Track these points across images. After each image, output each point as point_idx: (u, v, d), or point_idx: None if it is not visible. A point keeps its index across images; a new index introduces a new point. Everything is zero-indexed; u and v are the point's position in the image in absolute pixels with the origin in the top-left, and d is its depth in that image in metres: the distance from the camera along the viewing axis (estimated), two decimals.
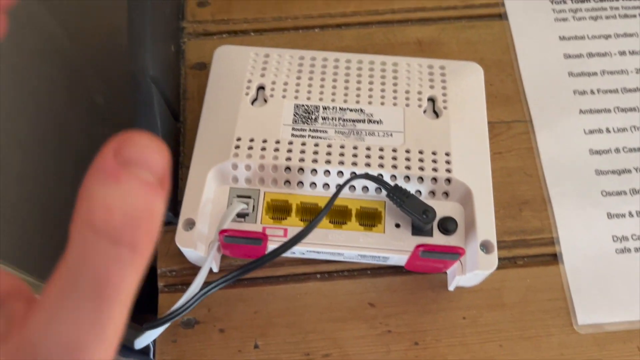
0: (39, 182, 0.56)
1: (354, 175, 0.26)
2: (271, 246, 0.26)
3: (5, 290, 0.14)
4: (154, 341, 0.26)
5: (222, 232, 0.24)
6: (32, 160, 0.55)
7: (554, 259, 0.29)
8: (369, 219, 0.27)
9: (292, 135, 0.28)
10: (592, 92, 0.33)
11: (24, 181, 0.54)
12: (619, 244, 0.29)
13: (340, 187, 0.26)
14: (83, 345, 0.12)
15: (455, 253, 0.24)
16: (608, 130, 0.32)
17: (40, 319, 0.12)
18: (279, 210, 0.27)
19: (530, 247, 0.29)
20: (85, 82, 0.71)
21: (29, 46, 0.54)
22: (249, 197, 0.27)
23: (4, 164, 0.49)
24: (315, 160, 0.27)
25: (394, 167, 0.27)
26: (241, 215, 0.27)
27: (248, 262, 0.24)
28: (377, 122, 0.29)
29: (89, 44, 0.64)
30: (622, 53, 0.34)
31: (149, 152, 0.13)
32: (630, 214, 0.30)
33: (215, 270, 0.27)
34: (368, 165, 0.27)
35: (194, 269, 0.28)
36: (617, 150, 0.31)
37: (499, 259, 0.28)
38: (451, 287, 0.27)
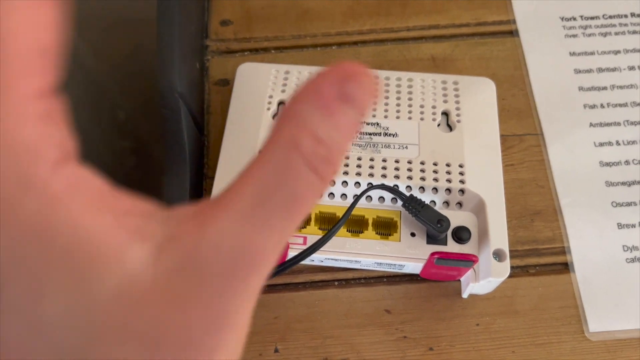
0: None
1: (371, 186, 0.28)
2: (291, 253, 0.27)
3: None
4: None
5: None
6: None
7: (565, 267, 0.30)
8: (385, 228, 0.28)
9: None
10: (602, 106, 0.33)
11: None
12: (629, 254, 0.30)
13: (357, 198, 0.27)
14: (258, 260, 0.13)
15: (469, 260, 0.25)
16: (618, 143, 0.33)
17: (228, 220, 0.13)
18: None
19: (542, 256, 0.30)
20: (109, 98, 0.73)
21: None
22: None
23: None
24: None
25: (409, 178, 0.28)
26: None
27: None
28: (393, 135, 0.30)
29: (113, 61, 0.66)
30: (632, 68, 0.35)
31: (367, 95, 0.13)
32: None
33: None
34: (384, 176, 0.28)
35: None
36: (627, 162, 0.32)
37: (512, 267, 0.29)
38: (465, 295, 0.28)
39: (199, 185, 0.31)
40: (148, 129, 0.79)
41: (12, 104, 0.12)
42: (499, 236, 0.27)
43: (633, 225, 0.31)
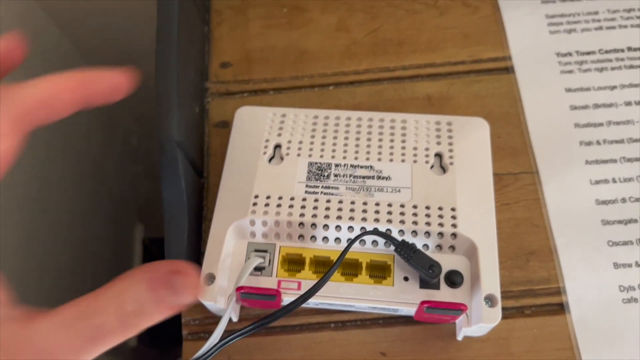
0: (76, 220, 0.59)
1: (364, 232, 0.28)
2: (286, 299, 0.28)
3: None
4: None
5: (239, 289, 0.26)
6: (70, 199, 0.58)
7: (561, 308, 0.30)
8: (379, 271, 0.29)
9: (306, 192, 0.30)
10: (598, 142, 0.34)
11: (64, 218, 0.57)
12: (626, 294, 0.30)
13: (349, 244, 0.27)
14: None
15: (457, 309, 0.25)
16: (614, 181, 0.33)
17: (42, 324, 0.16)
18: (294, 263, 0.29)
19: (537, 297, 0.30)
20: (120, 124, 0.75)
21: None
22: (266, 251, 0.29)
23: (46, 203, 0.53)
24: (327, 216, 0.29)
25: (402, 222, 0.29)
26: (258, 269, 0.29)
27: (265, 314, 0.26)
28: (386, 179, 0.30)
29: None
30: (628, 103, 0.35)
31: (185, 292, 0.18)
32: (637, 264, 0.30)
33: (235, 319, 0.29)
34: (377, 220, 0.29)
35: (216, 318, 0.30)
36: (624, 200, 0.32)
37: (507, 308, 0.30)
38: (459, 337, 0.28)
39: (199, 228, 0.32)
40: (157, 177, 0.80)
41: None
42: (491, 281, 0.27)
43: (630, 265, 0.31)
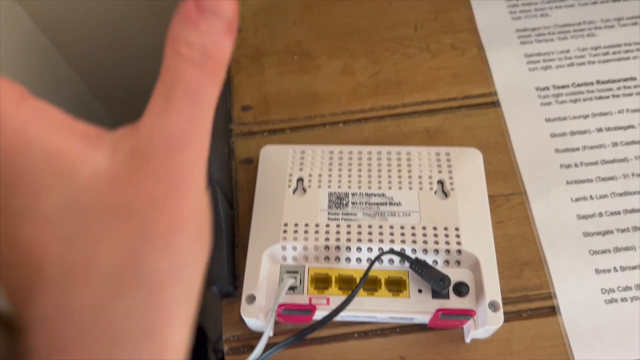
0: None
1: (382, 252, 0.32)
2: (319, 313, 0.32)
3: None
4: None
5: (280, 305, 0.30)
6: None
7: (553, 311, 0.34)
8: (396, 285, 0.33)
9: (329, 218, 0.34)
10: (575, 165, 0.39)
11: None
12: (607, 296, 0.35)
13: (371, 263, 0.32)
14: (186, 134, 0.17)
15: (467, 314, 0.30)
16: (592, 197, 0.38)
17: (151, 117, 0.17)
18: (322, 281, 0.33)
19: (532, 302, 0.35)
20: None
21: None
22: (296, 272, 0.33)
23: None
24: (348, 239, 0.33)
25: (414, 242, 0.33)
26: (291, 288, 0.33)
27: (297, 328, 0.30)
28: (397, 204, 0.35)
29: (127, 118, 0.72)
30: (599, 130, 0.40)
31: (221, 4, 0.18)
32: (615, 269, 0.35)
33: (271, 334, 0.33)
34: (392, 241, 0.33)
35: (254, 334, 0.34)
36: (600, 215, 0.37)
37: (506, 313, 0.34)
38: (467, 340, 0.33)
39: (232, 253, 0.36)
40: None
41: None
42: (493, 289, 0.32)
43: (609, 270, 0.35)
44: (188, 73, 0.17)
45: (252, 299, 0.32)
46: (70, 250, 0.15)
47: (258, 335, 0.33)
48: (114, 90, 0.65)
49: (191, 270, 0.17)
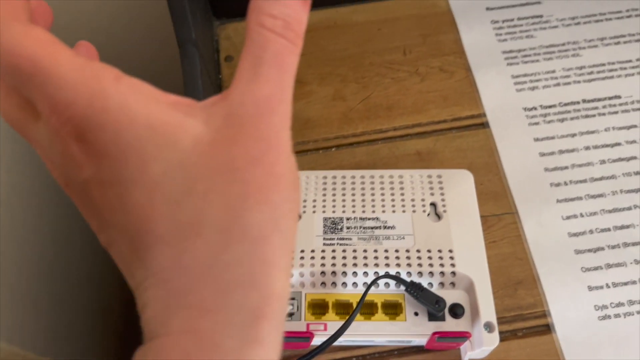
0: (77, 252, 0.63)
1: (378, 276, 0.33)
2: (317, 339, 0.32)
3: None
4: None
5: None
6: (71, 232, 0.62)
7: (548, 329, 0.35)
8: (392, 308, 0.33)
9: (324, 244, 0.35)
10: (565, 183, 0.39)
11: (62, 251, 0.60)
12: (600, 312, 0.35)
13: (367, 288, 0.32)
14: (273, 100, 0.18)
15: (463, 337, 0.30)
16: (582, 215, 0.38)
17: (241, 85, 0.18)
18: (319, 307, 0.34)
19: (527, 320, 0.35)
20: None
21: None
22: (294, 298, 0.34)
23: (45, 236, 0.56)
24: (344, 264, 0.34)
25: (409, 265, 0.34)
26: (289, 315, 0.33)
27: (295, 354, 0.31)
28: (391, 228, 0.35)
29: None
30: (587, 148, 0.41)
31: None
32: (607, 286, 0.36)
33: None
34: (387, 265, 0.34)
35: None
36: (591, 232, 0.38)
37: (502, 332, 0.34)
38: None
39: None
40: None
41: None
42: (488, 310, 0.32)
43: (601, 287, 0.36)
44: (273, 42, 0.18)
45: None
46: (179, 210, 0.17)
47: None
48: None
49: (288, 222, 0.18)
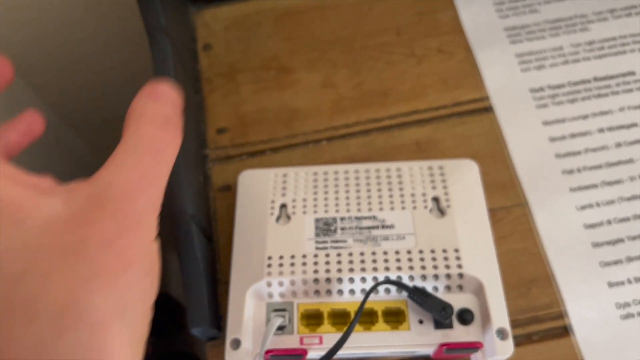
0: None
1: (377, 282, 0.30)
2: (312, 354, 0.29)
3: None
4: None
5: (268, 352, 0.28)
6: None
7: (566, 331, 0.32)
8: (394, 317, 0.30)
9: (316, 248, 0.32)
10: (578, 170, 0.36)
11: None
12: (623, 310, 0.32)
13: (365, 296, 0.29)
14: (143, 184, 0.18)
15: (474, 347, 0.27)
16: (598, 205, 0.35)
17: (110, 168, 0.18)
18: (313, 318, 0.30)
19: (543, 323, 0.32)
20: None
21: (57, 165, 0.58)
22: (285, 309, 0.30)
23: None
24: (339, 270, 0.31)
25: (411, 268, 0.30)
26: (280, 328, 0.30)
27: None
28: (390, 227, 0.32)
29: (110, 155, 0.69)
30: (601, 130, 0.37)
31: (170, 94, 0.21)
32: (629, 281, 0.33)
33: None
34: (387, 269, 0.30)
35: None
36: (609, 222, 0.34)
37: (516, 336, 0.31)
38: None
39: (214, 290, 0.33)
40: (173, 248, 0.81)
41: None
42: (500, 314, 0.29)
43: (622, 283, 0.33)
44: (151, 132, 0.19)
45: (237, 343, 0.29)
46: (16, 291, 0.16)
47: None
48: (87, 118, 0.62)
49: (135, 309, 0.17)
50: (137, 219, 0.18)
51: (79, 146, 0.64)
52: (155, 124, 0.20)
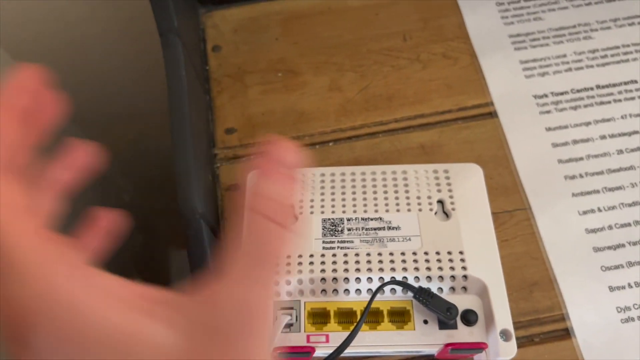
0: None
1: (383, 283, 0.30)
2: (319, 352, 0.29)
3: None
4: None
5: (275, 349, 0.28)
6: None
7: (567, 333, 0.32)
8: (400, 316, 0.31)
9: (323, 248, 0.32)
10: (580, 176, 0.37)
11: None
12: (623, 314, 0.33)
13: (372, 296, 0.29)
14: (255, 305, 0.17)
15: (479, 348, 0.28)
16: (599, 210, 0.36)
17: (227, 285, 0.16)
18: (319, 316, 0.31)
19: (544, 325, 0.33)
20: (113, 183, 0.76)
21: None
22: (292, 308, 0.31)
23: None
24: (346, 270, 0.31)
25: (416, 269, 0.31)
26: (287, 326, 0.30)
27: None
28: (396, 229, 0.33)
29: (116, 149, 0.69)
30: (603, 137, 0.38)
31: (287, 153, 0.19)
32: (630, 285, 0.33)
33: None
34: (393, 269, 0.31)
35: None
36: (610, 227, 0.35)
37: (518, 338, 0.32)
38: None
39: None
40: (151, 207, 0.82)
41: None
42: (503, 316, 0.30)
43: (623, 287, 0.33)
44: (269, 232, 0.18)
45: None
46: None
47: None
48: (94, 114, 0.62)
49: None
50: (255, 352, 0.16)
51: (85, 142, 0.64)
52: (271, 219, 0.18)
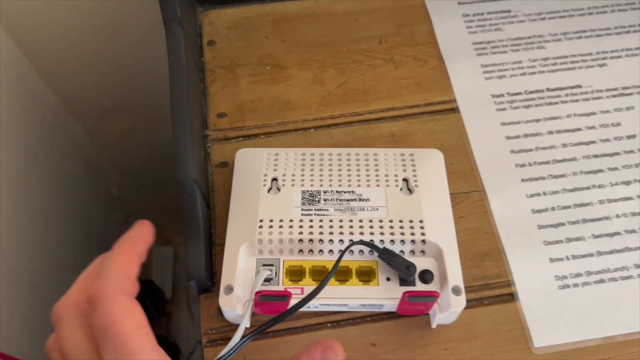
0: (69, 263, 0.63)
1: (352, 243, 0.35)
2: (293, 302, 0.34)
3: None
4: None
5: (258, 292, 0.32)
6: (62, 243, 0.62)
7: (512, 297, 0.37)
8: (366, 275, 0.35)
9: (302, 214, 0.36)
10: (529, 164, 0.42)
11: (56, 261, 0.61)
12: (560, 282, 0.37)
13: (342, 253, 0.34)
14: None
15: (432, 296, 0.32)
16: (544, 193, 0.41)
17: None
18: (296, 273, 0.35)
19: (493, 289, 0.37)
20: (103, 175, 0.79)
21: (59, 149, 0.62)
22: (272, 265, 0.35)
23: (38, 246, 0.56)
24: (321, 233, 0.35)
25: (382, 233, 0.35)
26: (267, 280, 0.35)
27: (275, 316, 0.32)
28: (366, 200, 0.37)
29: (107, 142, 0.73)
30: (550, 132, 0.43)
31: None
32: (567, 258, 0.38)
33: (247, 325, 0.35)
34: (362, 234, 0.35)
35: (231, 326, 0.36)
36: (553, 209, 0.40)
37: (469, 300, 0.36)
38: (433, 325, 0.35)
39: (209, 251, 0.38)
40: (138, 201, 0.85)
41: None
42: (455, 275, 0.34)
43: (562, 259, 0.38)
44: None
45: (230, 289, 0.34)
46: None
47: (235, 327, 0.34)
48: (88, 106, 0.66)
49: None
50: None
51: (79, 133, 0.68)
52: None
